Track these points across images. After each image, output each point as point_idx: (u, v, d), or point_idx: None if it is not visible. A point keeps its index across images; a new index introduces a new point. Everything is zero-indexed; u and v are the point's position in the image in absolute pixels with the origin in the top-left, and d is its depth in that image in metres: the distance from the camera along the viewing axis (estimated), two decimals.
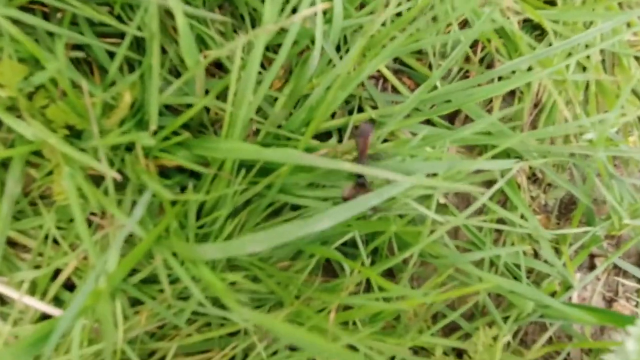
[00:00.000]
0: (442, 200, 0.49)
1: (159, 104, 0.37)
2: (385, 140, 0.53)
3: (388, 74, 0.54)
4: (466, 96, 0.49)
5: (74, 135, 0.37)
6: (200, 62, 0.35)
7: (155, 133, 0.38)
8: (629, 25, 0.55)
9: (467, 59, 0.56)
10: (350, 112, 0.52)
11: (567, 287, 0.53)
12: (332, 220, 0.28)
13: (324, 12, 0.43)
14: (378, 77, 0.56)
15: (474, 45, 0.55)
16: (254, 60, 0.32)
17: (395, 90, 0.55)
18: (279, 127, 0.42)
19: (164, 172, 0.43)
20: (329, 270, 0.49)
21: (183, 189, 0.43)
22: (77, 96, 0.35)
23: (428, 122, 0.52)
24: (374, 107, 0.52)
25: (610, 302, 0.58)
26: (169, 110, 0.43)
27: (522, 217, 0.48)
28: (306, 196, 0.38)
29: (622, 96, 0.46)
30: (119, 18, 0.40)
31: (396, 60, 0.55)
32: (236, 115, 0.34)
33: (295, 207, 0.43)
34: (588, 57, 0.55)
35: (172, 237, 0.32)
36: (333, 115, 0.53)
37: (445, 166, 0.41)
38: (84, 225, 0.32)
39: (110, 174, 0.30)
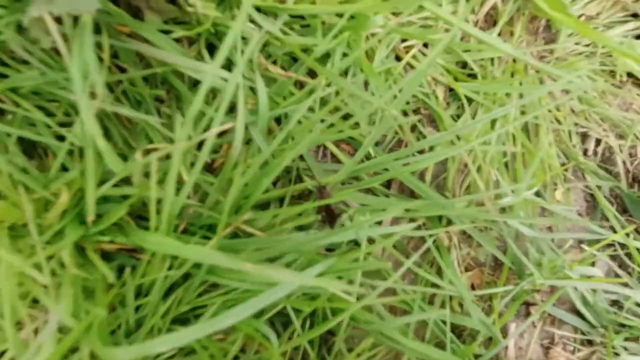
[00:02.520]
0: (377, 266, 0.52)
1: (97, 197, 0.40)
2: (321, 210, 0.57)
3: (328, 143, 0.58)
4: (401, 166, 0.54)
5: (16, 230, 0.40)
6: (136, 160, 0.39)
7: (95, 222, 0.42)
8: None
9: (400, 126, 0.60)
10: (291, 181, 0.56)
11: (504, 337, 0.56)
12: (234, 318, 0.32)
13: (253, 104, 0.48)
14: (319, 146, 0.60)
15: (404, 115, 0.60)
16: (170, 179, 0.35)
17: (334, 157, 0.59)
18: (216, 204, 0.45)
19: (108, 254, 0.46)
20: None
21: (123, 269, 0.46)
22: (16, 194, 0.38)
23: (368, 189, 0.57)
24: (313, 177, 0.56)
25: (547, 349, 0.61)
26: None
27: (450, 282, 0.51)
28: (230, 277, 0.41)
29: (533, 164, 0.51)
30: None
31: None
32: (161, 214, 0.37)
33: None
34: (511, 119, 0.60)
35: (94, 333, 0.35)
36: (275, 184, 0.57)
37: (364, 233, 0.45)
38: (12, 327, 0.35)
39: (43, 280, 0.33)
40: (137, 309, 0.45)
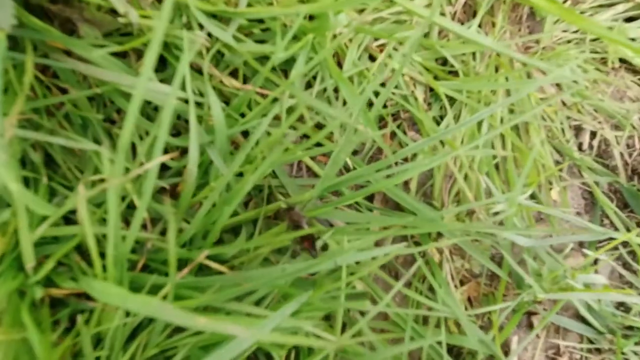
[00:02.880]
0: (360, 288, 0.48)
1: (34, 240, 0.35)
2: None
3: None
4: (383, 177, 0.49)
5: None
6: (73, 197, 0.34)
7: (38, 265, 0.37)
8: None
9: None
10: (264, 200, 0.51)
11: (506, 350, 0.52)
12: None
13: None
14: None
15: (381, 120, 0.55)
16: (111, 212, 0.31)
17: (310, 170, 0.54)
18: (179, 232, 0.40)
19: (57, 299, 0.41)
20: None
21: (79, 313, 0.41)
22: None
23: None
24: (288, 195, 0.51)
25: None
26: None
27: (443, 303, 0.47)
28: (183, 324, 0.36)
29: (525, 168, 0.46)
30: None
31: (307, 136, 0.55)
32: (106, 257, 0.32)
33: None
34: (498, 118, 0.56)
35: None
36: (247, 204, 0.52)
37: (350, 258, 0.40)
38: None
39: None
40: (97, 358, 0.40)
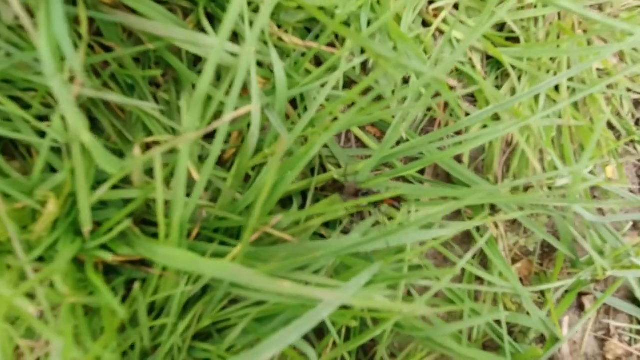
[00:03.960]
0: (416, 261, 0.46)
1: (92, 203, 0.34)
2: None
3: (353, 127, 0.51)
4: (437, 150, 0.47)
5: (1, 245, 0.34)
6: (134, 157, 0.32)
7: (93, 231, 0.35)
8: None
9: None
10: (313, 171, 0.49)
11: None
12: (277, 346, 0.26)
13: (267, 79, 0.41)
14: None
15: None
16: (180, 172, 0.29)
17: (359, 141, 0.52)
18: (231, 203, 0.39)
19: (111, 267, 0.40)
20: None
21: (132, 282, 0.40)
22: None
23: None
24: (338, 165, 0.49)
25: (602, 341, 0.55)
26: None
27: (500, 274, 0.45)
28: (262, 288, 0.35)
29: (590, 143, 0.44)
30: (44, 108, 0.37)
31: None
32: (170, 220, 0.30)
33: None
34: (557, 88, 0.53)
35: None
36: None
37: (415, 237, 0.38)
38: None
39: (31, 310, 0.27)
40: (152, 326, 0.39)
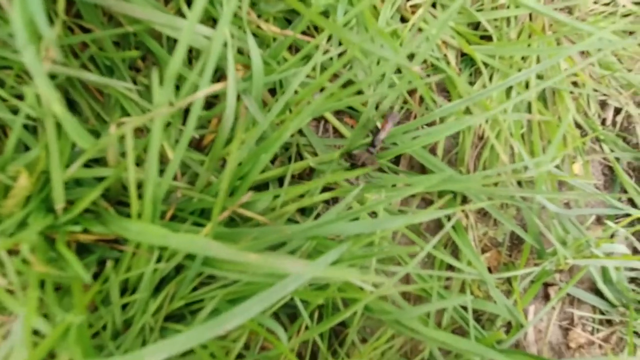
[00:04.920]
0: (386, 247, 0.47)
1: (65, 180, 0.34)
2: (324, 189, 0.51)
3: (328, 115, 0.52)
4: (410, 139, 0.48)
5: None
6: (109, 134, 0.32)
7: (66, 209, 0.35)
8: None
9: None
10: (290, 160, 0.50)
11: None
12: (241, 317, 0.26)
13: (246, 67, 0.41)
14: (319, 119, 0.54)
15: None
16: (152, 149, 0.29)
17: (336, 131, 0.53)
18: (207, 186, 0.39)
19: (86, 246, 0.40)
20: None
21: (105, 262, 0.40)
22: None
23: None
24: (314, 154, 0.50)
25: (566, 330, 0.57)
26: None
27: (469, 262, 0.47)
28: (229, 269, 0.36)
29: (556, 136, 0.46)
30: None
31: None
32: (143, 200, 0.31)
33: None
34: (527, 87, 0.55)
35: (72, 339, 0.29)
36: (273, 161, 0.51)
37: (384, 224, 0.40)
38: None
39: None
40: (124, 306, 0.39)
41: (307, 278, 0.26)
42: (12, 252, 0.36)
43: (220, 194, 0.30)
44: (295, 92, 0.46)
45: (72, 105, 0.44)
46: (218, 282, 0.41)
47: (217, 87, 0.27)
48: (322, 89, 0.43)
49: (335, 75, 0.51)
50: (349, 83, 0.51)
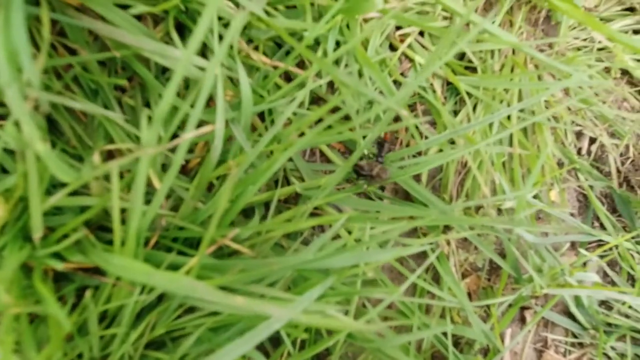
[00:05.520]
0: (371, 275, 0.48)
1: (44, 210, 0.33)
2: (312, 214, 0.51)
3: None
4: (397, 169, 0.49)
5: None
6: (94, 166, 0.32)
7: (45, 237, 0.34)
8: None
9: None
10: (276, 184, 0.50)
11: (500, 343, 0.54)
12: (232, 356, 0.26)
13: (235, 93, 0.41)
14: None
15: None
16: (138, 184, 0.29)
17: (323, 155, 0.54)
18: (192, 213, 0.39)
19: (62, 274, 0.39)
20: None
21: (84, 289, 0.39)
22: None
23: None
24: (301, 179, 0.50)
25: (540, 352, 0.59)
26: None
27: (450, 289, 0.48)
28: (215, 302, 0.35)
29: (535, 168, 0.48)
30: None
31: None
32: (127, 229, 0.31)
33: None
34: (509, 117, 0.57)
35: None
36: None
37: (373, 256, 0.40)
38: None
39: None
40: (102, 335, 0.38)
41: (285, 322, 0.27)
42: None
43: (209, 231, 0.30)
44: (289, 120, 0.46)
45: (53, 125, 0.42)
46: (200, 311, 0.40)
47: (204, 129, 0.27)
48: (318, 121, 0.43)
49: (321, 99, 0.52)
50: (336, 108, 0.51)
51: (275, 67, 0.41)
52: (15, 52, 0.25)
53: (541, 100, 0.54)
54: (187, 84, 0.46)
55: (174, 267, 0.36)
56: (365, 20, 0.48)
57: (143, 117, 0.26)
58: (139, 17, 0.43)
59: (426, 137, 0.51)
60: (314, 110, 0.49)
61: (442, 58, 0.41)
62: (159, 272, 0.28)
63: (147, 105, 0.46)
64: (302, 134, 0.43)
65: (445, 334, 0.48)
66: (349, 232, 0.50)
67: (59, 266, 0.30)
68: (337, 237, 0.48)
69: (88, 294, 0.36)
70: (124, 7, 0.39)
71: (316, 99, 0.51)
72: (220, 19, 0.41)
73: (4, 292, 0.27)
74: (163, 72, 0.46)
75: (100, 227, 0.41)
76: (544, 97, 0.46)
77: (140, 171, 0.28)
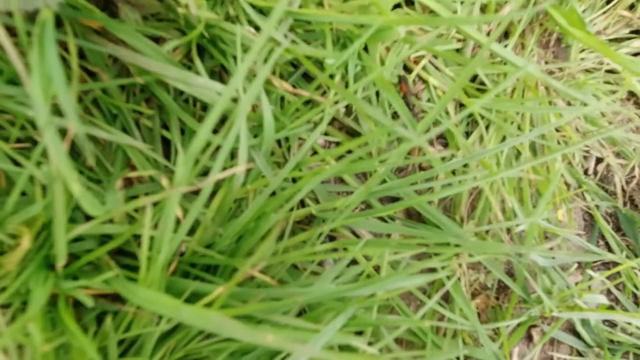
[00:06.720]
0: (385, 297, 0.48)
1: (68, 240, 0.33)
2: (330, 238, 0.52)
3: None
4: (412, 192, 0.50)
5: None
6: (117, 200, 0.32)
7: (67, 264, 0.34)
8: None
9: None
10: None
11: None
12: None
13: (258, 125, 0.42)
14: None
15: None
16: (167, 221, 0.29)
17: (338, 177, 0.54)
18: (209, 246, 0.39)
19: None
20: None
21: (104, 313, 0.39)
22: None
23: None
24: (316, 200, 0.51)
25: None
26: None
27: (461, 310, 0.49)
28: (236, 340, 0.36)
29: (546, 193, 0.49)
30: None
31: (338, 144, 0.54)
32: (154, 261, 0.31)
33: None
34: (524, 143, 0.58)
35: None
36: None
37: (391, 284, 0.41)
38: None
39: None
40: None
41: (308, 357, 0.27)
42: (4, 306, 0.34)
43: (242, 264, 0.30)
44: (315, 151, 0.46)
45: (70, 148, 0.42)
46: (219, 336, 0.40)
47: (229, 172, 0.27)
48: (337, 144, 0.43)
49: (336, 120, 0.52)
50: (354, 133, 0.52)
51: (298, 96, 0.41)
52: (48, 83, 0.24)
53: (553, 127, 0.55)
54: (204, 106, 0.46)
55: (197, 295, 0.36)
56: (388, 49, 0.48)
57: (180, 156, 0.26)
58: (156, 38, 0.43)
59: (442, 159, 0.52)
60: (331, 134, 0.50)
61: (460, 87, 0.42)
62: (187, 307, 0.28)
63: (165, 126, 0.46)
64: (323, 161, 0.43)
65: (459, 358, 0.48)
66: (365, 257, 0.50)
67: (89, 302, 0.30)
68: (353, 263, 0.49)
69: (108, 321, 0.36)
70: (149, 35, 0.39)
71: (332, 121, 0.52)
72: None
73: (36, 330, 0.27)
74: (180, 93, 0.46)
75: (120, 252, 0.41)
76: (557, 124, 0.47)
77: (170, 208, 0.28)
